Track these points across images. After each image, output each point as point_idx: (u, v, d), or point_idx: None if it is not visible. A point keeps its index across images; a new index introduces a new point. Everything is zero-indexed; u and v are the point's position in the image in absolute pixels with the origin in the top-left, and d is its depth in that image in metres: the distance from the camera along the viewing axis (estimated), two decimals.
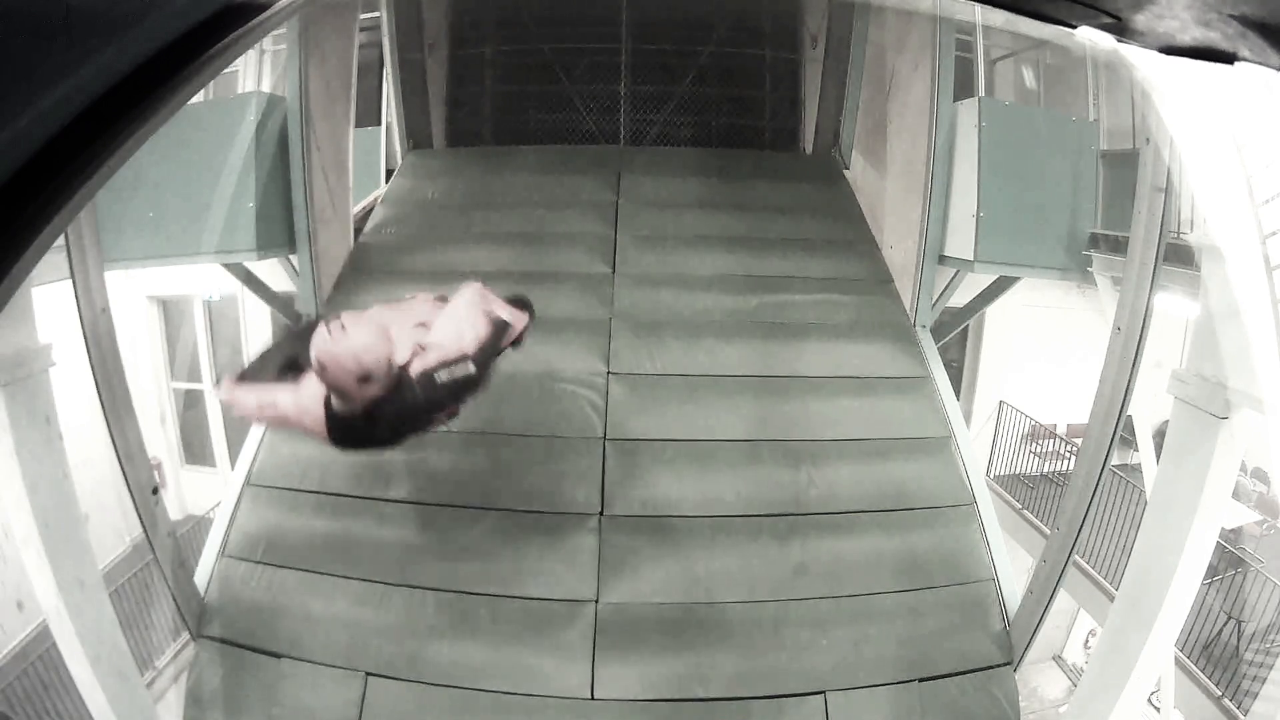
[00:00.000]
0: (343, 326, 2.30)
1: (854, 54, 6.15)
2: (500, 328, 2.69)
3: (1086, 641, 8.39)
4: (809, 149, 6.72)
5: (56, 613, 2.87)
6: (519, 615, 3.42)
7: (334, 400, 2.39)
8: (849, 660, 3.36)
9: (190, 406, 7.86)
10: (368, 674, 3.27)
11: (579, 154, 6.17)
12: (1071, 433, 7.87)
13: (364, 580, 3.51)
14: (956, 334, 6.05)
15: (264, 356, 2.89)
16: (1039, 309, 7.53)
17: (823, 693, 3.27)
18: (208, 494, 6.63)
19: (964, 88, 5.38)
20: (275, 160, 4.67)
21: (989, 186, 4.63)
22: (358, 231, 5.37)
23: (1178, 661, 5.14)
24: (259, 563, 3.62)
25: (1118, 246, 4.43)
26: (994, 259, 4.71)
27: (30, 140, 0.73)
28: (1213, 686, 5.20)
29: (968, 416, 7.71)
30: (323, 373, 2.29)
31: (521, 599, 3.45)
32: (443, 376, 2.43)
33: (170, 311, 7.74)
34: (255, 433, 4.13)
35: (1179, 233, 3.60)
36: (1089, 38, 1.33)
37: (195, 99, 1.22)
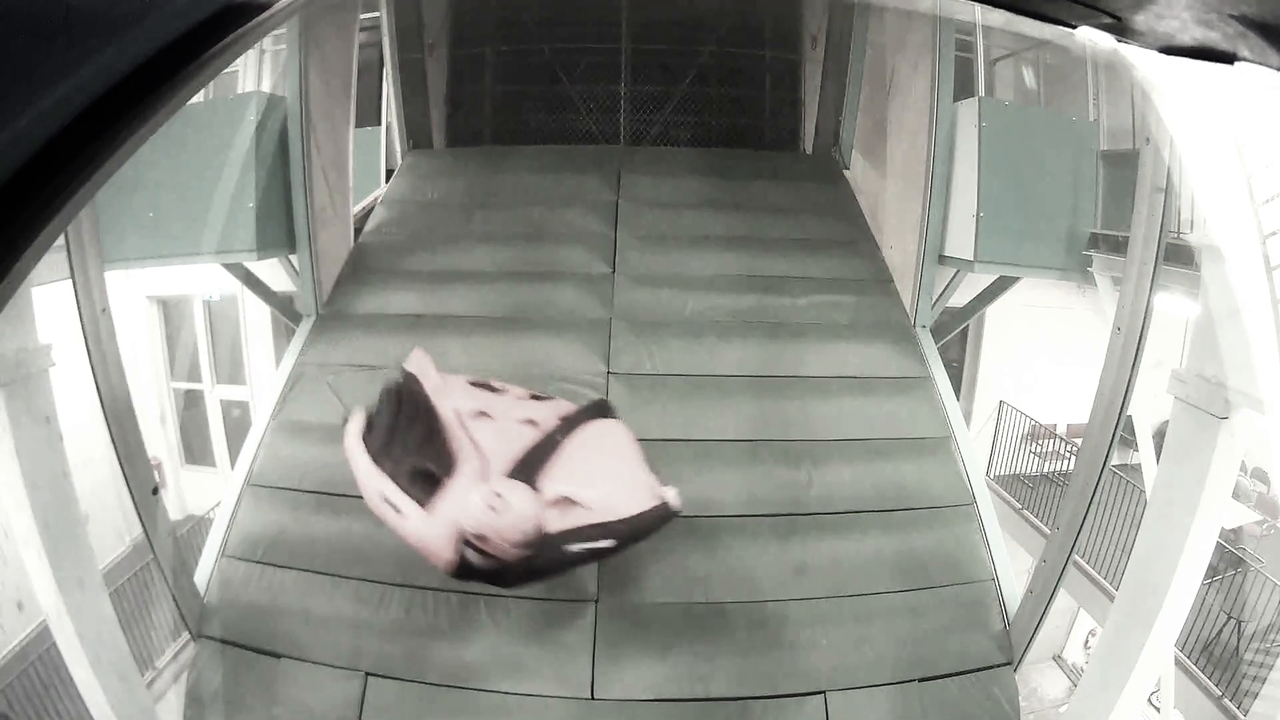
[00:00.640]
0: (499, 495, 2.32)
1: (854, 54, 6.16)
2: (663, 516, 2.67)
3: (1086, 641, 8.38)
4: (809, 149, 6.73)
5: (56, 613, 2.87)
6: (519, 615, 3.41)
7: (472, 554, 2.42)
8: (849, 660, 3.36)
9: (190, 406, 7.85)
10: (367, 674, 3.27)
11: (579, 154, 6.17)
12: (1071, 433, 7.87)
13: (364, 580, 3.51)
14: (956, 334, 6.04)
15: (394, 431, 2.85)
16: (1039, 309, 7.52)
17: (823, 693, 3.27)
18: (208, 494, 6.62)
19: (964, 88, 5.38)
20: (275, 160, 4.67)
21: (989, 186, 4.63)
22: (358, 231, 5.37)
23: (1178, 661, 5.14)
24: (259, 563, 3.62)
25: (1118, 246, 4.43)
26: (994, 259, 4.71)
27: (30, 140, 0.73)
28: (1213, 686, 5.19)
29: (968, 416, 7.70)
30: (481, 542, 2.33)
31: (521, 599, 3.45)
32: (583, 550, 2.46)
33: (170, 311, 7.73)
34: (255, 433, 4.14)
35: (1179, 233, 3.60)
36: (1089, 38, 1.33)
37: (195, 99, 1.22)
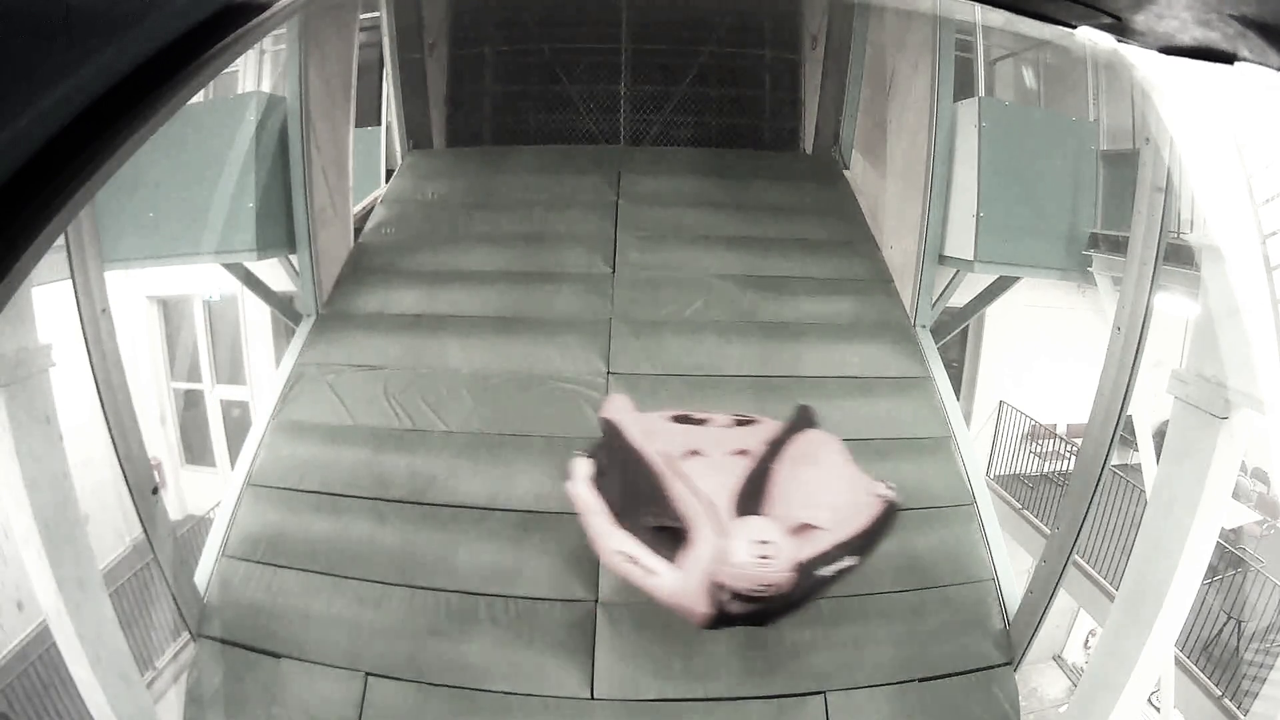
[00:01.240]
0: (766, 542, 2.32)
1: (854, 54, 6.16)
2: (891, 515, 2.68)
3: (1086, 641, 8.37)
4: (809, 149, 6.73)
5: (56, 613, 2.87)
6: (519, 615, 3.41)
7: (733, 603, 2.40)
8: (849, 660, 3.35)
9: (190, 406, 7.85)
10: (367, 674, 3.27)
11: (579, 154, 6.17)
12: (1071, 433, 7.86)
13: (364, 580, 3.51)
14: (956, 334, 6.04)
15: (623, 484, 2.81)
16: (1039, 309, 7.51)
17: (823, 693, 3.27)
18: (208, 494, 6.61)
19: (964, 88, 5.38)
20: (275, 160, 4.67)
21: (989, 186, 4.63)
22: (358, 231, 5.37)
23: (1178, 661, 5.13)
24: (259, 563, 3.62)
25: (1118, 246, 4.43)
26: (994, 259, 4.71)
27: (30, 140, 0.73)
28: (1213, 686, 5.19)
29: (968, 416, 7.68)
30: (742, 593, 2.32)
31: (521, 599, 3.45)
32: (830, 574, 2.46)
33: (170, 311, 7.72)
34: (255, 433, 4.14)
35: (1179, 233, 3.60)
36: (1089, 38, 1.33)
37: (195, 99, 1.22)
